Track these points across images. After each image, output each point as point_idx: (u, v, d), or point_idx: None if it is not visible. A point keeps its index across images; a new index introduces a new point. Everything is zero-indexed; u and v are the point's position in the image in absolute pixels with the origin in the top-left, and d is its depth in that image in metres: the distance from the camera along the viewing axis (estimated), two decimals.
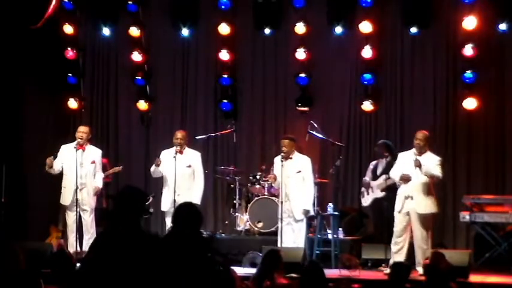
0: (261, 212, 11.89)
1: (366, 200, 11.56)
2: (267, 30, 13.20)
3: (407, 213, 10.01)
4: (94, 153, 11.04)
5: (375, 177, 11.35)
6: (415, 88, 12.71)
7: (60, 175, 11.05)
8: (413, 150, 10.09)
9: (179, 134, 10.96)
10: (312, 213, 10.75)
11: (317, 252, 10.99)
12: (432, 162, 9.99)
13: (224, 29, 13.02)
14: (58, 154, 11.00)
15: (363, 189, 11.65)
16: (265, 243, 10.74)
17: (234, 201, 12.38)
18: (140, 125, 13.83)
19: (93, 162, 10.95)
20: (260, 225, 11.93)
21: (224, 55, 13.10)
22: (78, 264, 7.16)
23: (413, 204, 9.97)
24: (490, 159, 12.33)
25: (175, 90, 13.73)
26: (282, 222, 10.55)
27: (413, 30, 12.55)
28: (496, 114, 12.30)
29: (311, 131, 11.74)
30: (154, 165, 10.94)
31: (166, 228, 10.63)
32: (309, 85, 12.96)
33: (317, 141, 12.23)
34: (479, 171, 12.32)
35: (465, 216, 11.24)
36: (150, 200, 10.96)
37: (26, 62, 12.95)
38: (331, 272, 9.77)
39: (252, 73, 13.52)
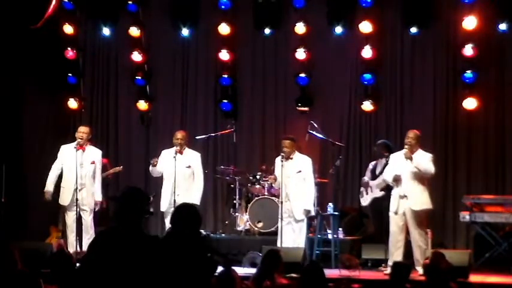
0: (261, 212, 11.89)
1: (365, 200, 11.57)
2: (267, 30, 13.21)
3: (404, 213, 10.03)
4: (94, 153, 11.03)
5: (374, 177, 11.35)
6: (415, 88, 12.71)
7: (60, 175, 11.05)
8: (404, 150, 10.16)
9: (179, 135, 10.96)
10: (312, 213, 10.75)
11: (317, 252, 11.00)
12: (424, 159, 10.04)
13: (224, 29, 13.02)
14: (58, 154, 11.00)
15: (362, 189, 11.66)
16: (265, 243, 10.73)
17: (234, 201, 12.37)
18: (140, 125, 13.83)
19: (93, 162, 10.95)
20: (260, 225, 11.93)
21: (224, 55, 13.10)
22: (78, 264, 7.17)
23: (408, 203, 10.01)
24: (490, 159, 12.33)
25: (175, 90, 13.73)
26: (282, 222, 10.55)
27: (413, 30, 12.55)
28: (496, 114, 12.30)
29: (311, 131, 11.74)
30: (151, 165, 10.93)
31: (166, 228, 10.63)
32: (309, 85, 12.96)
33: (317, 141, 12.23)
34: (479, 171, 12.32)
35: (465, 216, 11.23)
36: (151, 199, 10.95)
37: (26, 62, 12.95)
38: (331, 272, 9.76)
39: (252, 73, 13.52)
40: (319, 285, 6.65)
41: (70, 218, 10.90)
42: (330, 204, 11.65)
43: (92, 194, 10.94)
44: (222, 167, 12.73)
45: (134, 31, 13.31)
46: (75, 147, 10.80)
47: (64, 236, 11.63)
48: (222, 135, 13.16)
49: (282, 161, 10.56)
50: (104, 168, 12.09)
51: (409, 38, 12.71)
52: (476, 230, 11.53)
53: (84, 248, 10.69)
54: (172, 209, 10.38)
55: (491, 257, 11.11)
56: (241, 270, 9.50)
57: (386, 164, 10.99)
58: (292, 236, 10.51)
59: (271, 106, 13.41)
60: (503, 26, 11.98)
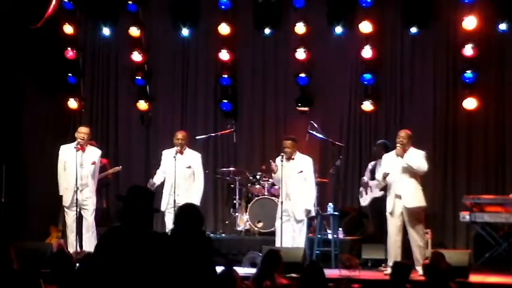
0: (261, 212, 11.90)
1: (365, 200, 11.58)
2: (267, 30, 13.20)
3: (401, 214, 10.05)
4: (94, 153, 11.04)
5: (373, 177, 11.33)
6: (415, 88, 12.71)
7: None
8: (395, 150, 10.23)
9: (180, 135, 10.96)
10: (312, 213, 10.75)
11: (317, 252, 11.00)
12: (417, 156, 10.09)
13: (224, 29, 13.02)
14: (59, 155, 10.99)
15: (361, 189, 11.67)
16: (265, 243, 10.74)
17: (234, 201, 12.38)
18: (140, 125, 13.83)
19: (94, 163, 10.96)
20: (260, 225, 11.93)
21: (224, 55, 13.10)
22: (78, 264, 7.15)
23: (402, 201, 10.04)
24: (490, 159, 12.33)
25: (175, 90, 13.73)
26: (281, 222, 10.55)
27: (413, 30, 12.55)
28: (496, 114, 12.30)
29: (311, 131, 11.74)
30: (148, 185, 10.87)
31: (166, 228, 10.63)
32: (309, 85, 12.96)
33: (317, 141, 12.23)
34: (479, 171, 12.32)
35: (465, 216, 11.24)
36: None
37: (26, 62, 12.95)
38: (331, 272, 9.77)
39: (252, 73, 13.52)
40: (319, 285, 6.65)
41: (70, 218, 10.91)
42: (330, 204, 11.65)
43: (92, 195, 10.95)
44: (223, 169, 12.67)
45: (134, 31, 13.31)
46: (75, 147, 10.80)
47: (64, 235, 11.63)
48: (222, 135, 13.15)
49: (282, 161, 10.56)
50: (104, 169, 12.11)
51: (409, 38, 12.71)
52: (476, 230, 11.54)
53: (85, 247, 10.70)
54: (172, 208, 10.48)
55: (491, 257, 11.11)
56: (241, 270, 9.49)
57: None
58: (292, 236, 10.51)
59: (271, 106, 13.41)
60: (503, 26, 11.98)
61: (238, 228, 12.24)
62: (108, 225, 11.66)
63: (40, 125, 13.52)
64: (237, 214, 12.31)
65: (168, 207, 10.65)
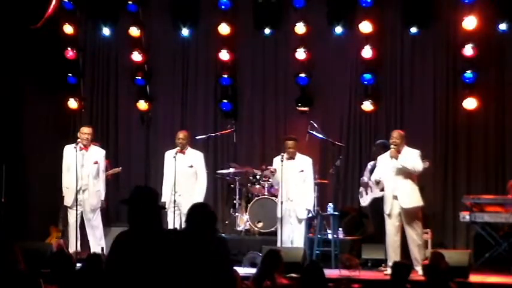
0: (261, 212, 11.89)
1: (365, 200, 11.57)
2: (267, 30, 13.20)
3: (399, 214, 10.06)
4: (97, 153, 11.05)
5: None
6: (415, 88, 12.71)
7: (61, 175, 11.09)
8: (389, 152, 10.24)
9: (181, 134, 10.99)
10: (312, 213, 10.77)
11: (317, 252, 11.00)
12: (412, 156, 10.09)
13: (224, 29, 13.02)
14: (64, 155, 10.98)
15: (361, 189, 11.66)
16: (265, 243, 10.74)
17: (234, 201, 12.37)
18: (140, 125, 13.83)
19: (96, 162, 10.97)
20: (260, 225, 11.93)
21: (224, 55, 13.10)
22: (79, 264, 7.16)
23: (399, 202, 10.05)
24: (490, 159, 12.33)
25: (175, 90, 13.73)
26: (282, 222, 10.57)
27: (413, 30, 12.55)
28: (496, 114, 12.30)
29: (311, 131, 11.75)
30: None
31: (168, 227, 10.63)
32: (309, 85, 12.96)
33: (317, 141, 12.23)
34: (479, 171, 12.32)
35: (465, 216, 11.23)
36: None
37: (26, 62, 12.95)
38: (331, 272, 9.76)
39: (252, 73, 13.52)
40: (319, 285, 6.65)
41: (72, 218, 10.91)
42: (330, 204, 11.65)
43: (95, 194, 10.95)
44: (223, 171, 12.64)
45: (134, 31, 13.31)
46: (74, 147, 10.81)
47: (65, 235, 11.64)
48: (222, 135, 13.16)
49: (282, 161, 10.59)
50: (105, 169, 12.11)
51: (409, 38, 12.71)
52: (476, 230, 11.53)
53: (92, 248, 10.70)
54: (172, 208, 10.52)
55: (491, 257, 11.11)
56: (241, 270, 9.49)
57: None
58: (291, 236, 10.53)
59: (271, 106, 13.41)
60: (503, 26, 11.98)
61: (238, 228, 12.24)
62: (109, 225, 11.68)
63: (40, 125, 13.51)
64: (237, 214, 12.30)
65: (169, 207, 10.66)
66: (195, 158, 10.94)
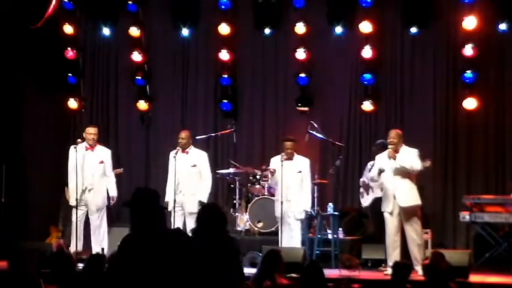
0: (261, 212, 11.89)
1: (366, 200, 11.56)
2: (267, 30, 13.20)
3: (398, 214, 10.06)
4: (103, 153, 11.06)
5: None
6: (415, 88, 12.71)
7: (64, 175, 11.08)
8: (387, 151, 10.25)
9: (182, 134, 11.05)
10: (313, 213, 10.80)
11: (317, 252, 11.00)
12: (410, 155, 10.09)
13: (224, 29, 13.01)
14: (69, 155, 10.97)
15: (361, 189, 11.65)
16: (265, 243, 10.75)
17: (234, 201, 12.37)
18: (140, 125, 13.82)
19: (102, 162, 10.98)
20: (260, 225, 11.94)
21: (224, 55, 13.10)
22: (80, 265, 7.16)
23: (397, 201, 10.06)
24: (490, 159, 12.33)
25: (175, 90, 13.73)
26: (281, 222, 10.58)
27: (413, 30, 12.55)
28: (496, 114, 12.30)
29: (311, 131, 11.75)
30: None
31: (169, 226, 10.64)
32: (309, 85, 12.96)
33: (317, 141, 12.23)
34: (479, 171, 12.32)
35: (465, 216, 11.23)
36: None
37: (26, 62, 12.95)
38: (331, 272, 9.76)
39: (252, 73, 13.52)
40: (319, 285, 6.65)
41: (76, 217, 10.87)
42: (330, 204, 11.65)
43: (100, 194, 10.94)
44: (223, 171, 12.63)
45: (134, 31, 13.31)
46: (74, 147, 10.81)
47: (66, 235, 11.65)
48: (222, 135, 13.16)
49: (282, 161, 10.61)
50: None
51: (409, 38, 12.71)
52: (476, 230, 11.53)
53: (94, 248, 10.69)
54: (176, 207, 10.58)
55: (491, 257, 11.11)
56: None
57: None
58: (290, 235, 10.55)
59: (271, 106, 13.41)
60: (503, 26, 11.98)
61: (238, 228, 12.23)
62: (110, 225, 11.67)
63: (40, 125, 13.51)
64: (237, 214, 12.30)
65: (172, 206, 10.68)
66: (198, 158, 10.97)
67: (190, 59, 13.69)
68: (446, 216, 12.29)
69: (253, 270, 8.55)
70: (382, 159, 10.33)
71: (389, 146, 10.15)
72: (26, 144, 13.33)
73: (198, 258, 5.27)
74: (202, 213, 5.65)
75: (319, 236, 11.20)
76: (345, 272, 9.82)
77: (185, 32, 13.46)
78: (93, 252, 10.00)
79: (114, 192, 11.08)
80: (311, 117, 12.36)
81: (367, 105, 12.68)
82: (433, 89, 12.58)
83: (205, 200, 10.69)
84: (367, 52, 12.48)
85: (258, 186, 12.23)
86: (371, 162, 11.54)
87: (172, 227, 10.46)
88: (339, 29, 12.77)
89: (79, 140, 10.97)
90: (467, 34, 12.01)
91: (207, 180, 10.97)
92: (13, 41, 12.71)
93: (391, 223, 10.11)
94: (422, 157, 10.30)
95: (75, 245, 10.71)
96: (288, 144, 10.75)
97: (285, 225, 10.63)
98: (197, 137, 12.29)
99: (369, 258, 11.07)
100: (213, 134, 12.91)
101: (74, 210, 10.95)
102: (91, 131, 10.98)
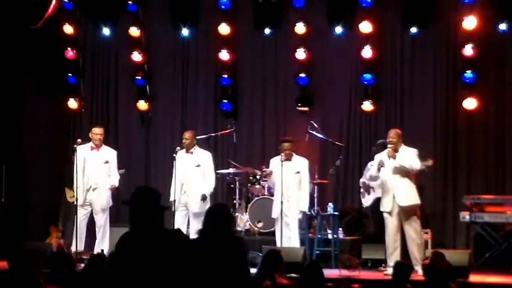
0: (261, 212, 11.90)
1: (367, 200, 11.55)
2: (267, 30, 13.21)
3: (398, 213, 10.07)
4: (108, 153, 11.06)
5: None
6: (415, 88, 12.71)
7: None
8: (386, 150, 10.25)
9: (186, 135, 11.08)
10: (312, 213, 10.80)
11: (317, 252, 11.01)
12: (410, 155, 10.09)
13: (224, 29, 13.02)
14: (76, 155, 10.96)
15: (362, 190, 11.65)
16: (265, 243, 10.74)
17: (234, 201, 12.37)
18: (140, 125, 13.83)
19: (107, 162, 10.97)
20: (260, 225, 11.94)
21: (224, 55, 13.10)
22: (82, 265, 7.16)
23: (396, 201, 10.07)
24: (490, 159, 12.33)
25: (175, 90, 13.73)
26: (281, 222, 10.59)
27: (413, 30, 12.55)
28: (496, 114, 12.30)
29: (311, 131, 11.75)
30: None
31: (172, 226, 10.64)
32: (309, 85, 12.96)
33: (317, 141, 12.24)
34: (479, 171, 12.32)
35: (465, 216, 11.24)
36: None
37: (26, 62, 12.95)
38: (331, 272, 9.77)
39: (252, 73, 13.52)
40: (319, 285, 6.65)
41: (80, 217, 10.87)
42: (330, 204, 11.66)
43: (104, 194, 10.93)
44: (223, 171, 12.63)
45: (134, 31, 13.32)
46: (74, 147, 10.82)
47: (66, 235, 11.64)
48: (222, 135, 13.17)
49: (281, 161, 10.61)
50: None
51: (409, 38, 12.71)
52: (476, 230, 11.53)
53: (96, 247, 10.68)
54: (180, 207, 10.67)
55: (491, 257, 11.11)
56: None
57: None
58: (289, 235, 10.57)
59: (271, 106, 13.41)
60: (503, 26, 11.99)
61: (238, 228, 12.23)
62: (110, 225, 11.66)
63: (40, 125, 13.52)
64: (237, 214, 12.30)
65: (177, 206, 10.69)
66: (203, 158, 10.98)
67: (190, 59, 13.69)
68: (446, 216, 12.30)
69: (253, 270, 8.56)
70: (380, 158, 10.33)
71: (389, 146, 10.15)
72: (26, 144, 13.33)
73: (206, 257, 5.27)
74: (209, 213, 5.65)
75: (319, 236, 11.20)
76: (345, 272, 9.82)
77: (185, 32, 13.46)
78: (96, 252, 9.99)
79: (116, 182, 11.00)
80: (311, 117, 12.36)
81: (367, 105, 12.68)
82: (433, 89, 12.59)
83: (207, 194, 10.72)
84: (367, 52, 12.48)
85: (258, 186, 12.24)
86: (371, 163, 11.53)
87: (173, 227, 10.50)
88: (339, 29, 12.78)
89: (79, 140, 10.96)
90: (467, 34, 12.01)
91: (210, 180, 10.98)
92: (13, 41, 12.71)
93: (391, 223, 10.12)
94: (424, 157, 10.31)
95: (76, 245, 10.70)
96: (286, 145, 10.76)
97: (284, 226, 10.62)
98: (197, 137, 12.28)
99: (369, 258, 11.06)
100: (213, 134, 12.91)
101: (77, 210, 10.94)
102: (97, 131, 10.97)
